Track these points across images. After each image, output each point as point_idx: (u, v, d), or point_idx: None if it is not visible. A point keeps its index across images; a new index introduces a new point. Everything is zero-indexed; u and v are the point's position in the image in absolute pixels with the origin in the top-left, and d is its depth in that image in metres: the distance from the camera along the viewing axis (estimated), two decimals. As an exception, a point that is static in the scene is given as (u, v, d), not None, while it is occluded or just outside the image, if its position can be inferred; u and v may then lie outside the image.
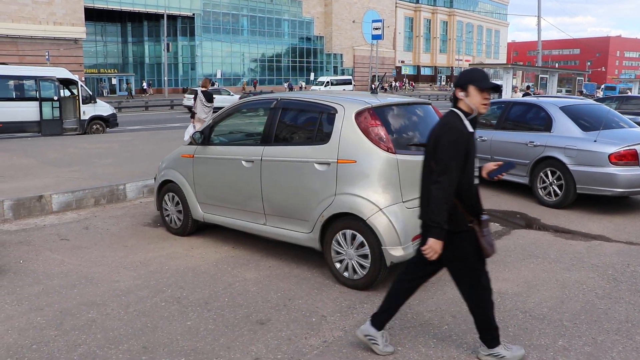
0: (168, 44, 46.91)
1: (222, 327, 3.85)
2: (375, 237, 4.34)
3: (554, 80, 27.97)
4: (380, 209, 4.34)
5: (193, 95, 11.26)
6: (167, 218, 6.20)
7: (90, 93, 17.73)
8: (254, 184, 5.12)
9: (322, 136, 4.72)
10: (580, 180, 7.18)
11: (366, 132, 4.48)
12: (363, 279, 4.48)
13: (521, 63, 74.72)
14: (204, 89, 10.98)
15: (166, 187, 6.12)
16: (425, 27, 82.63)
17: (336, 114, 4.65)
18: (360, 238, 4.44)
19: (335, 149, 4.56)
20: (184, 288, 4.56)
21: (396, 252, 4.31)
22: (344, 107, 4.64)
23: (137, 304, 4.23)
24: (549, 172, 7.59)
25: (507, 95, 15.79)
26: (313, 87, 53.41)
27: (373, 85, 65.45)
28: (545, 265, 5.26)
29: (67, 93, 17.36)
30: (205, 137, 5.61)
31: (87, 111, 17.12)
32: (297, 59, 65.75)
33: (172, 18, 51.35)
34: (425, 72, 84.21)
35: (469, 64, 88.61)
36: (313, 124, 4.85)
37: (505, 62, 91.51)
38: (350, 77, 62.14)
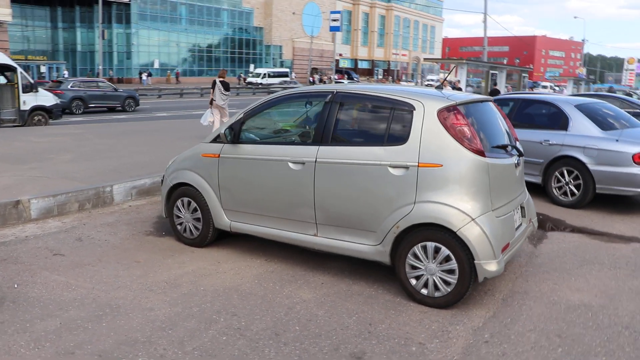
0: (103, 31, 43.91)
1: (314, 367, 3.18)
2: (467, 251, 3.81)
3: (502, 76, 28.71)
4: (473, 219, 3.81)
5: (211, 85, 12.68)
6: (179, 227, 5.35)
7: (32, 81, 15.99)
8: (304, 189, 4.43)
9: (396, 136, 4.11)
10: (601, 181, 7.01)
11: (453, 132, 3.92)
12: (447, 296, 3.94)
13: (462, 58, 76.98)
14: (221, 79, 12.58)
15: (179, 191, 5.28)
16: (364, 20, 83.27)
17: (414, 111, 4.06)
18: (445, 251, 3.88)
19: (415, 151, 3.98)
20: (238, 315, 3.82)
21: (491, 266, 3.80)
22: (423, 103, 4.06)
23: (193, 340, 3.45)
24: (565, 172, 7.38)
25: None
26: (249, 80, 52.15)
27: (312, 79, 65.17)
28: (607, 272, 4.95)
29: (3, 80, 15.53)
30: (235, 134, 4.83)
31: (28, 101, 15.39)
32: (237, 50, 63.98)
33: (107, 4, 48.11)
34: (363, 65, 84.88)
35: (407, 59, 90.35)
36: (383, 122, 4.22)
37: (440, 57, 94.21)
38: (287, 70, 61.32)
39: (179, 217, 5.32)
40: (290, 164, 4.47)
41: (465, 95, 4.46)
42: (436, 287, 3.97)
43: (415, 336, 3.59)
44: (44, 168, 8.09)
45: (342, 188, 4.25)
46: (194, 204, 5.16)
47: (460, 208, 3.84)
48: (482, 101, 4.48)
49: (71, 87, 22.54)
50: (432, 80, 67.97)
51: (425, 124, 3.98)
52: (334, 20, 42.18)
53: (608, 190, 7.03)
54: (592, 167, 7.06)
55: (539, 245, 5.69)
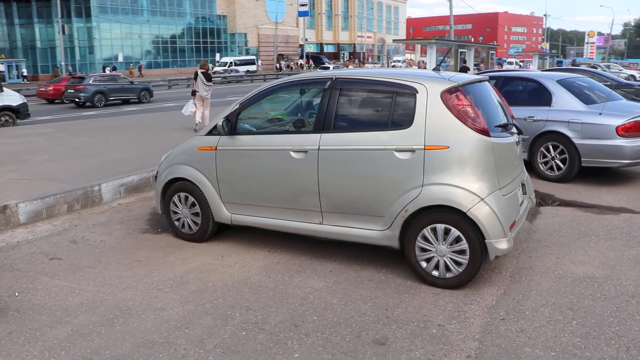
0: (63, 26, 42.42)
1: (341, 356, 3.16)
2: (477, 231, 3.84)
3: (471, 54, 29.00)
4: (482, 199, 3.84)
5: (194, 76, 12.82)
6: (176, 222, 5.24)
7: (-5, 80, 15.38)
8: (307, 178, 4.38)
9: (399, 120, 4.09)
10: (586, 154, 7.16)
11: (457, 114, 3.93)
12: (459, 276, 3.97)
13: (427, 38, 77.28)
14: (203, 70, 12.69)
15: (175, 186, 5.16)
16: (327, 4, 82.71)
17: (417, 94, 4.04)
18: (455, 232, 3.91)
19: (421, 134, 3.97)
20: (252, 309, 3.77)
21: (501, 245, 3.85)
22: (426, 85, 4.04)
23: (212, 337, 3.40)
24: (550, 147, 7.51)
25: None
26: (216, 69, 51.28)
27: (278, 65, 64.57)
28: (604, 243, 5.07)
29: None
30: (232, 126, 4.73)
31: (-7, 101, 14.84)
32: (201, 40, 62.73)
33: (65, -3, 46.46)
34: (329, 49, 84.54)
35: (372, 41, 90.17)
36: (386, 107, 4.19)
37: (405, 37, 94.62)
38: (254, 57, 60.65)
39: (176, 212, 5.21)
40: (292, 153, 4.41)
41: (465, 76, 4.46)
42: (447, 268, 3.99)
43: (433, 318, 3.61)
44: (23, 170, 7.81)
45: (347, 175, 4.22)
46: (191, 199, 5.06)
47: (468, 188, 3.86)
48: (480, 81, 4.49)
49: (92, 82, 23.97)
50: (399, 61, 68.16)
51: (429, 106, 3.97)
52: (302, 5, 41.80)
53: (593, 163, 7.19)
54: (576, 141, 7.20)
55: (534, 221, 5.78)
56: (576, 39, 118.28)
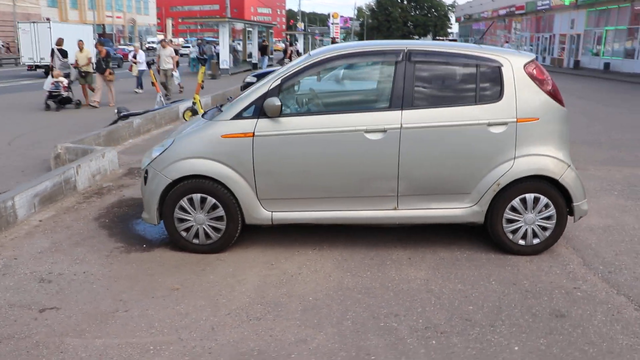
0: None
1: (547, 336, 2.97)
2: (565, 195, 4.01)
3: (254, 33, 29.36)
4: (569, 166, 4.02)
5: (50, 53, 13.44)
6: (183, 233, 4.14)
7: None
8: (385, 160, 3.91)
9: (488, 94, 3.95)
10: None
11: (541, 86, 4.00)
12: (546, 240, 4.09)
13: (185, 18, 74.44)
14: (59, 47, 13.65)
15: (183, 187, 4.04)
16: (66, -22, 73.23)
17: (502, 67, 3.95)
18: (544, 200, 4.00)
19: (512, 107, 3.91)
20: (397, 314, 3.25)
21: (584, 206, 4.09)
22: (509, 59, 4.00)
23: (408, 356, 2.83)
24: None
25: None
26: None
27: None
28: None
29: None
30: (274, 106, 3.88)
31: None
32: None
33: None
34: (76, 29, 75.45)
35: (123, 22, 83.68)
36: (469, 81, 3.97)
37: (156, 17, 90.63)
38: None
39: (183, 220, 4.11)
40: (367, 134, 3.87)
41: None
42: (535, 235, 4.08)
43: (567, 284, 3.66)
44: None
45: (434, 154, 3.91)
46: (211, 200, 4.04)
47: (558, 157, 3.98)
48: None
49: None
50: (153, 42, 64.69)
51: (517, 79, 3.95)
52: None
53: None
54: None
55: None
56: (319, 19, 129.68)
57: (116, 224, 4.88)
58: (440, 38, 62.17)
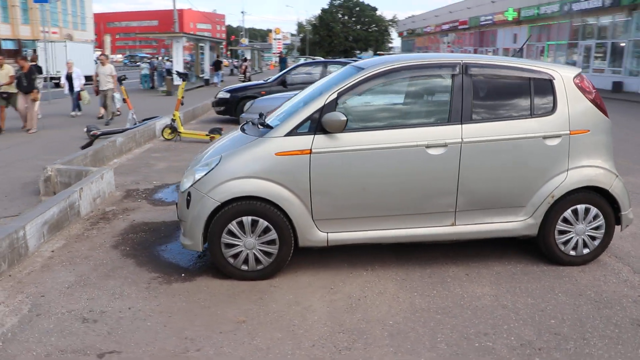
0: None
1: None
2: (615, 205, 4.08)
3: (207, 47, 28.84)
4: (617, 176, 4.11)
5: None
6: (231, 259, 3.89)
7: None
8: (445, 175, 3.84)
9: (542, 106, 3.99)
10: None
11: (589, 98, 4.09)
12: (595, 250, 4.15)
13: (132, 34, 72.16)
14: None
15: (232, 209, 3.80)
16: (-1, -9, 69.53)
17: (553, 81, 4.00)
18: (594, 210, 4.05)
19: (565, 120, 3.96)
20: (487, 333, 3.16)
21: (630, 215, 4.18)
22: (559, 72, 4.06)
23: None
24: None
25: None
26: None
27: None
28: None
29: None
30: (329, 122, 3.73)
31: None
32: None
33: None
34: (8, 45, 71.45)
35: (60, 37, 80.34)
36: (523, 94, 3.98)
37: (93, 33, 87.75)
38: None
39: (232, 245, 3.86)
40: (428, 149, 3.79)
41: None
42: (585, 245, 4.12)
43: (630, 292, 3.71)
44: None
45: (492, 167, 3.89)
46: (263, 223, 3.82)
47: (607, 168, 4.07)
48: None
49: None
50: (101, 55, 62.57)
51: (568, 92, 4.01)
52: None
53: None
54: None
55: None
56: (260, 35, 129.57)
57: (140, 251, 4.53)
58: (381, 53, 63.58)
